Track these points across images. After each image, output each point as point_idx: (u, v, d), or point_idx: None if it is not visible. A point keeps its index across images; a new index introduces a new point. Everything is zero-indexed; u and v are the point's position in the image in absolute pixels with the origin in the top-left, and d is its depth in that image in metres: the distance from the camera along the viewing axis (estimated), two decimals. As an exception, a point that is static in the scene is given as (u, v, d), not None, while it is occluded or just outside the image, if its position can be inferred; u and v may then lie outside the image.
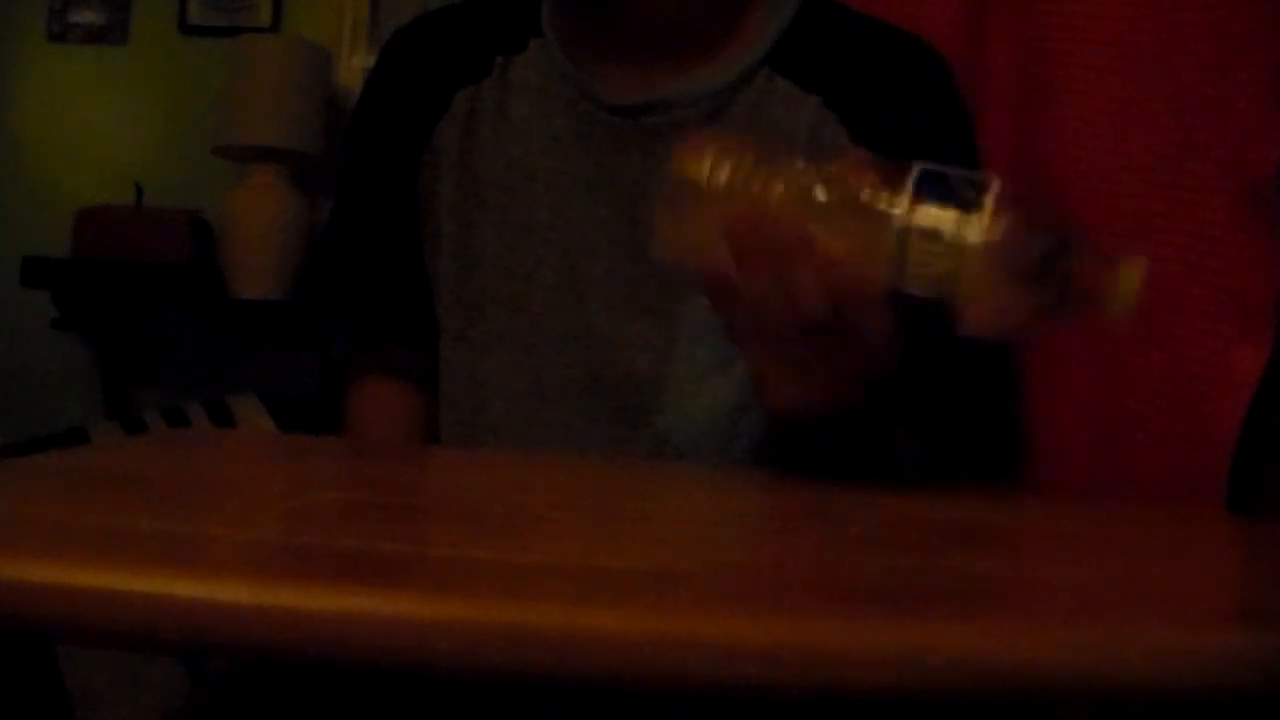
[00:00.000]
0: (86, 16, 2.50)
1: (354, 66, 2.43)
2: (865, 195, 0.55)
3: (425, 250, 0.81)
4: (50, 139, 2.52)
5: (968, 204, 0.54)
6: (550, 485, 0.63)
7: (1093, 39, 0.86)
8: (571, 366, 0.77)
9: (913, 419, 0.75)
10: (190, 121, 2.40)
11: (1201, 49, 0.80)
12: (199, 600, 0.30)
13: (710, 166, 0.58)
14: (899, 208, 0.55)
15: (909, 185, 0.55)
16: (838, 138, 0.76)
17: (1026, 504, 0.70)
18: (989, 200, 0.54)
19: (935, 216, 0.54)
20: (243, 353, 2.33)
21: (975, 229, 0.54)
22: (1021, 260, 0.54)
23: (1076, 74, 0.86)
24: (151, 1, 2.47)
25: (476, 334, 0.79)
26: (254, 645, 0.31)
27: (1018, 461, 0.86)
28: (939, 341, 0.57)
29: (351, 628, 0.30)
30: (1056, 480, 0.85)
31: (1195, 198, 0.79)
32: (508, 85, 0.81)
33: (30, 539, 0.36)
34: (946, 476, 0.73)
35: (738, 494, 0.64)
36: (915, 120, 0.77)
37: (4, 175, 2.52)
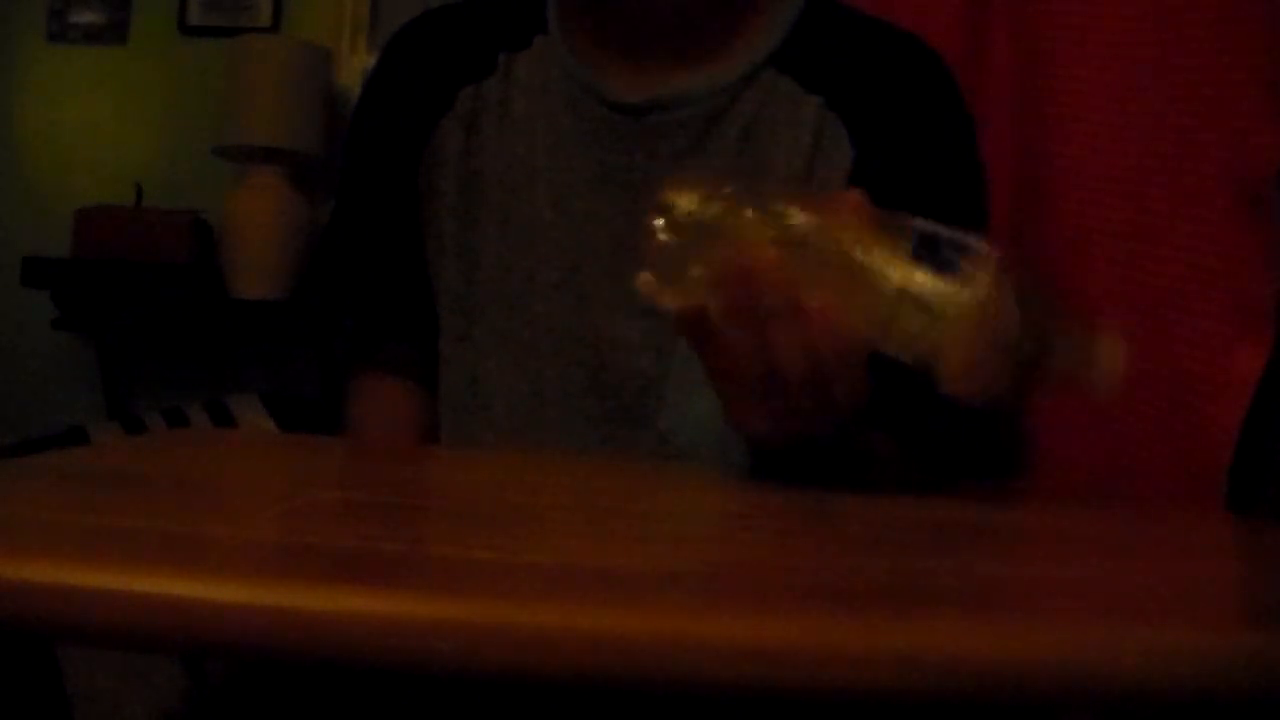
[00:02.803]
0: (86, 16, 2.50)
1: (354, 66, 2.43)
2: (858, 253, 0.54)
3: (426, 248, 0.81)
4: (50, 139, 2.52)
5: (961, 275, 0.54)
6: (550, 485, 0.63)
7: (1092, 39, 0.86)
8: (572, 366, 0.77)
9: (906, 422, 0.75)
10: (190, 121, 2.40)
11: (1201, 49, 0.80)
12: (199, 600, 0.30)
13: (698, 203, 0.57)
14: (894, 271, 0.54)
15: (904, 247, 0.54)
16: (839, 139, 0.76)
17: (1026, 504, 0.70)
18: (982, 275, 0.53)
19: (929, 287, 0.53)
20: (243, 353, 2.33)
21: (966, 304, 0.53)
22: (1008, 339, 0.53)
23: (1076, 74, 0.86)
24: (151, 1, 2.48)
25: (477, 333, 0.79)
26: (254, 645, 0.31)
27: (1015, 460, 0.87)
28: (910, 389, 0.57)
29: (351, 628, 0.30)
30: (1056, 480, 0.85)
31: (1195, 198, 0.79)
32: (511, 83, 0.81)
33: (30, 539, 0.36)
34: (945, 477, 0.72)
35: (738, 494, 0.64)
36: (917, 123, 0.77)
37: (4, 175, 2.52)
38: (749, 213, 0.56)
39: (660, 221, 0.57)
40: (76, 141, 2.50)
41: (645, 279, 0.59)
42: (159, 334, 2.40)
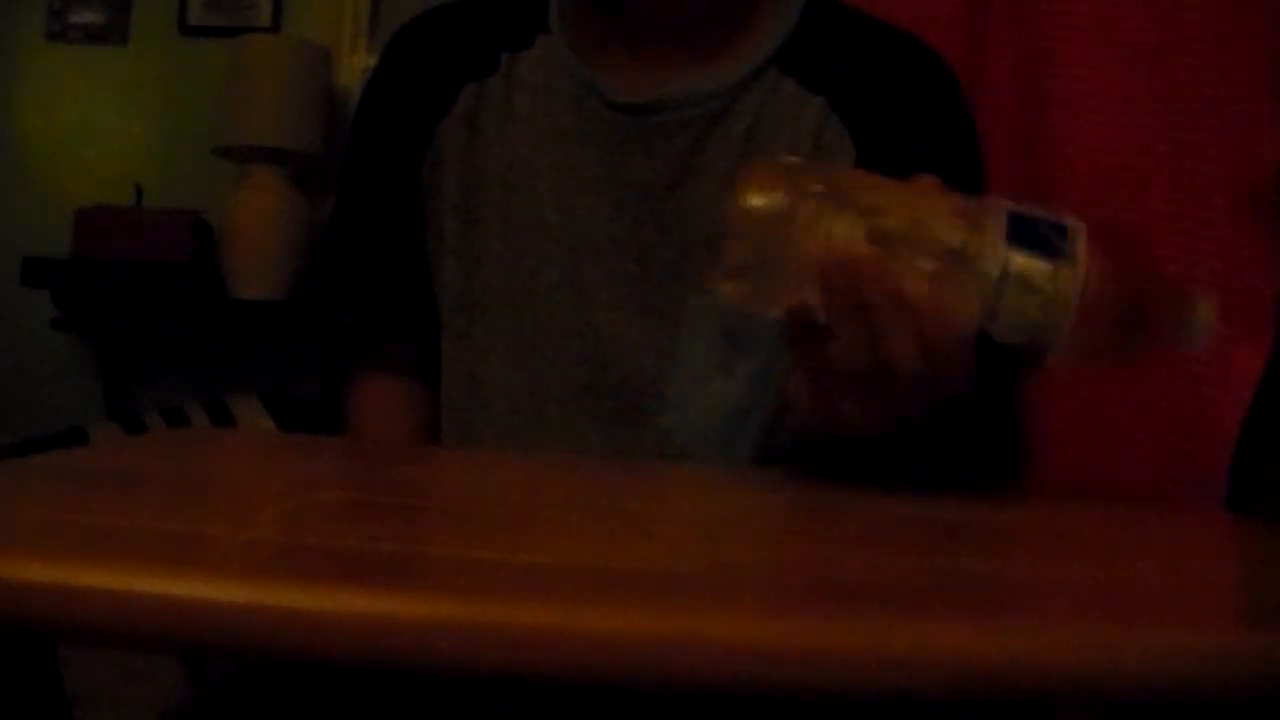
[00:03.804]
0: (86, 16, 2.50)
1: (354, 66, 2.43)
2: (956, 241, 0.54)
3: (428, 247, 0.81)
4: (50, 139, 2.52)
5: (1059, 252, 0.54)
6: (551, 485, 0.63)
7: (1092, 39, 0.86)
8: (574, 366, 0.77)
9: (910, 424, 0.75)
10: (190, 121, 2.40)
11: (1201, 49, 0.80)
12: (199, 600, 0.30)
13: (784, 198, 0.56)
14: (993, 254, 0.54)
15: (998, 230, 0.54)
16: (840, 140, 0.76)
17: (1026, 504, 0.70)
18: (1080, 250, 0.54)
19: (1031, 267, 0.54)
20: (243, 353, 2.33)
21: (1070, 281, 0.53)
22: (1114, 310, 0.54)
23: (1076, 74, 0.86)
24: (151, 1, 2.48)
25: (478, 332, 0.79)
26: (254, 645, 0.31)
27: (1018, 461, 0.86)
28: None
29: (351, 628, 0.30)
30: (1056, 480, 0.85)
31: (1195, 198, 0.79)
32: (513, 82, 0.81)
33: (30, 539, 0.36)
34: (946, 476, 0.72)
35: (738, 494, 0.64)
36: (918, 123, 0.77)
37: (4, 175, 2.52)
38: (837, 209, 0.56)
39: (739, 224, 0.56)
40: (76, 141, 2.50)
41: (730, 289, 0.58)
42: (159, 334, 2.40)
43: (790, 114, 0.77)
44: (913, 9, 0.88)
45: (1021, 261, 0.54)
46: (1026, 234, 0.54)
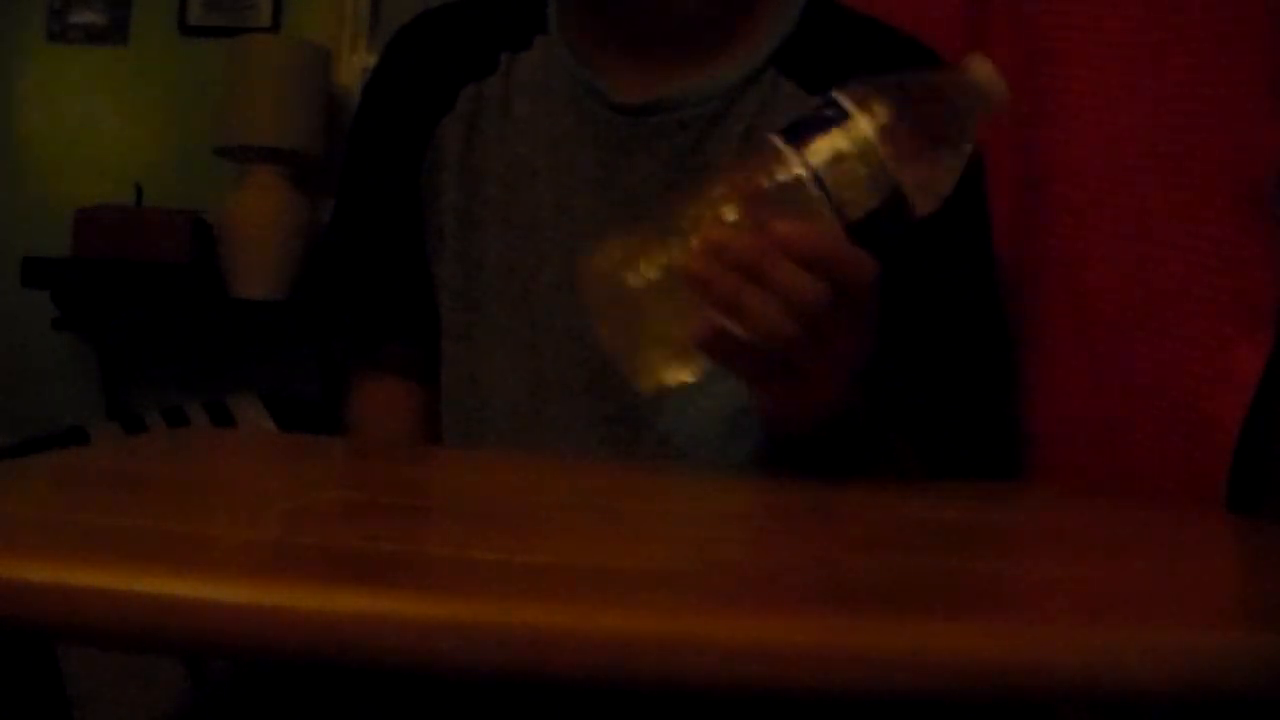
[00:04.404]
0: (86, 16, 2.50)
1: (354, 66, 2.43)
2: (764, 182, 0.57)
3: (427, 248, 0.81)
4: (50, 139, 2.52)
5: (837, 117, 0.57)
6: (551, 485, 0.63)
7: (1092, 39, 0.86)
8: (574, 366, 0.77)
9: (905, 423, 0.75)
10: (190, 121, 2.40)
11: (1201, 49, 0.80)
12: (199, 600, 0.30)
13: (622, 254, 0.59)
14: (795, 163, 0.57)
15: (781, 144, 0.57)
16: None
17: (1026, 504, 0.70)
18: (849, 103, 0.57)
19: (825, 144, 0.56)
20: (243, 353, 2.33)
21: (862, 126, 0.56)
22: (916, 118, 0.57)
23: (1076, 74, 0.86)
24: (151, 1, 2.47)
25: (478, 333, 0.79)
26: (254, 645, 0.31)
27: (1014, 460, 0.86)
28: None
29: (351, 628, 0.30)
30: (1056, 480, 0.85)
31: (1195, 198, 0.79)
32: (512, 83, 0.81)
33: (30, 539, 0.36)
34: (944, 476, 0.72)
35: (738, 494, 0.64)
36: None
37: (4, 175, 2.52)
38: (665, 235, 0.58)
39: (598, 281, 0.60)
40: (76, 141, 2.49)
41: (653, 359, 0.60)
42: (159, 334, 2.39)
43: (789, 115, 0.77)
44: (913, 9, 0.88)
45: (817, 146, 0.57)
46: (804, 128, 0.58)
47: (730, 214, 0.57)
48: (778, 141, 0.58)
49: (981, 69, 0.59)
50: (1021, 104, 0.89)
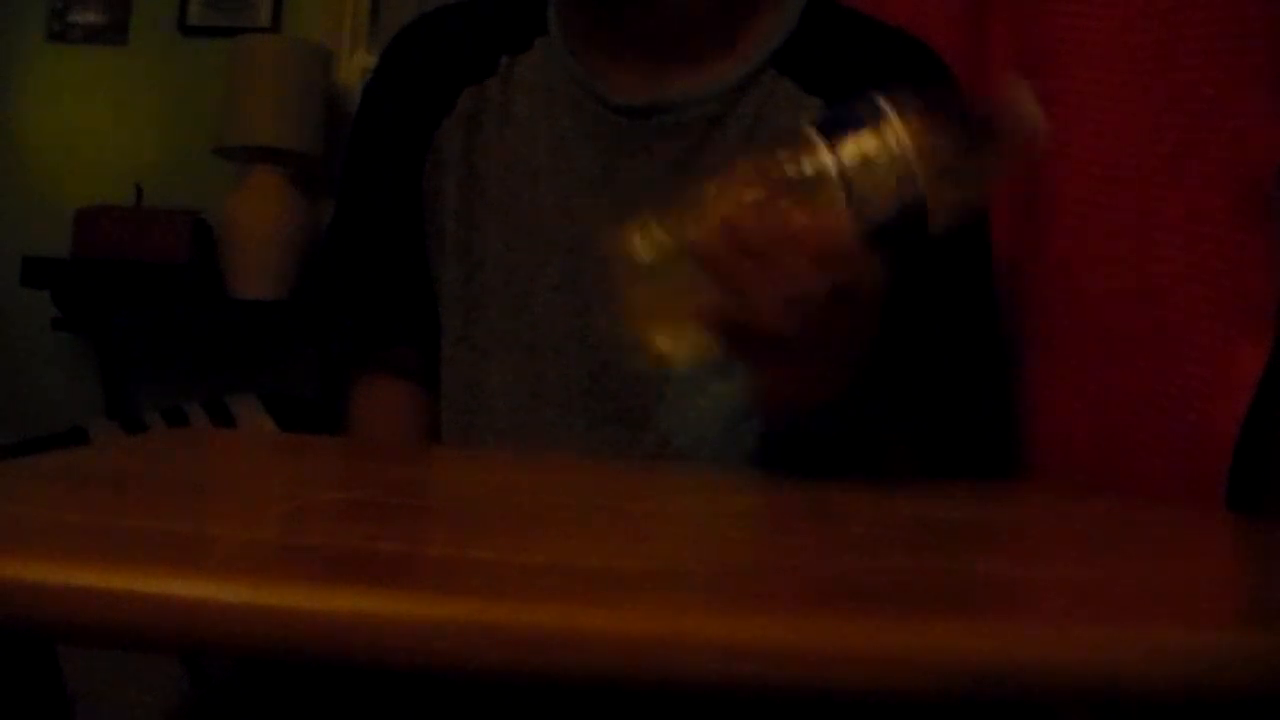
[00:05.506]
0: (86, 16, 2.50)
1: (354, 66, 2.43)
2: (789, 172, 0.57)
3: (428, 249, 0.81)
4: (50, 139, 2.52)
5: (874, 118, 0.56)
6: (550, 485, 0.63)
7: (1093, 39, 0.86)
8: (573, 367, 0.77)
9: (904, 422, 0.75)
10: (190, 121, 2.40)
11: (1201, 49, 0.80)
12: (199, 600, 0.30)
13: (640, 237, 0.59)
14: (825, 159, 0.56)
15: (814, 137, 0.57)
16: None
17: (1026, 504, 0.70)
18: (887, 105, 0.56)
19: (858, 144, 0.56)
20: (243, 353, 2.33)
21: (897, 131, 0.56)
22: (951, 131, 0.56)
23: (1076, 74, 0.86)
24: (151, 1, 2.47)
25: (478, 334, 0.79)
26: (254, 645, 0.31)
27: (1013, 459, 0.86)
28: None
29: (351, 628, 0.30)
30: (1056, 480, 0.85)
31: (1195, 198, 0.79)
32: (512, 85, 0.80)
33: (30, 539, 0.36)
34: (943, 476, 0.72)
35: (738, 494, 0.64)
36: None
37: (4, 175, 2.52)
38: (684, 216, 0.58)
39: (623, 262, 0.60)
40: (76, 141, 2.49)
41: (661, 341, 0.61)
42: (159, 334, 2.39)
43: (789, 115, 0.77)
44: (913, 9, 0.89)
45: (849, 146, 0.56)
46: (838, 123, 0.57)
47: (750, 196, 0.57)
48: (811, 133, 0.57)
49: (1026, 102, 0.58)
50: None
